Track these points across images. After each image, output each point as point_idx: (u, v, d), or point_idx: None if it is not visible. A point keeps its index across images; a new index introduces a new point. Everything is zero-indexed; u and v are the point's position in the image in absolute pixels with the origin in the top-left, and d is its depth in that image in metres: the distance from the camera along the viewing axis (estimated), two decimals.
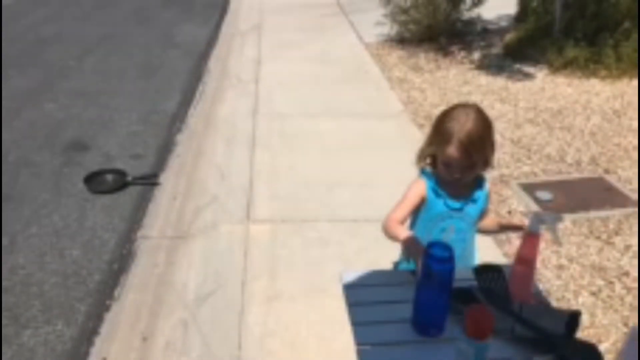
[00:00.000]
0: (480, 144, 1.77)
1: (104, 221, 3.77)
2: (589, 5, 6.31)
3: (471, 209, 1.91)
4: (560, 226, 3.52)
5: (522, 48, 6.70)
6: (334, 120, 5.10)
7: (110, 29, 8.51)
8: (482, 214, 1.97)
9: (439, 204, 1.88)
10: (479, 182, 1.93)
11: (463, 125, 1.75)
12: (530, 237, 1.59)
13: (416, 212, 1.94)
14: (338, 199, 3.81)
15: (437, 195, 1.88)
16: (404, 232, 1.79)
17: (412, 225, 1.98)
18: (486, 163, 1.85)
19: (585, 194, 3.82)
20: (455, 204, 1.89)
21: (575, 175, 4.15)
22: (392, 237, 1.81)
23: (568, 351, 1.36)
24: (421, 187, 1.90)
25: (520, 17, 7.34)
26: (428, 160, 1.93)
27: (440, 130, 1.81)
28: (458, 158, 1.75)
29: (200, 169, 4.38)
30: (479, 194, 1.91)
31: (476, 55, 6.97)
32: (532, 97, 5.57)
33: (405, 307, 1.48)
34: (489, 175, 2.08)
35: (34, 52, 7.33)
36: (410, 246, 1.70)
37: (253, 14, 9.21)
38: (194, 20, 9.02)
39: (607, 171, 4.15)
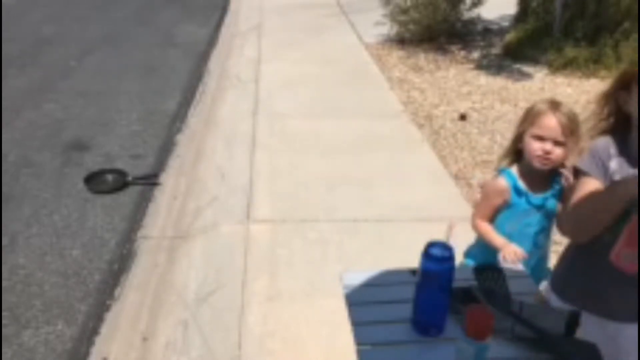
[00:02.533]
0: (571, 121, 1.90)
1: (104, 221, 3.77)
2: (589, 5, 6.31)
3: (551, 204, 1.99)
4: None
5: (522, 48, 6.70)
6: (334, 120, 5.10)
7: (111, 29, 8.51)
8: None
9: (522, 203, 1.99)
10: (557, 178, 2.00)
11: (558, 105, 1.92)
12: None
13: (499, 209, 2.05)
14: (338, 199, 3.81)
15: (519, 194, 1.99)
16: (498, 238, 2.01)
17: (496, 221, 2.07)
18: (572, 152, 1.94)
19: None
20: (537, 200, 1.98)
21: None
22: (485, 240, 2.04)
23: (568, 351, 1.36)
24: (503, 188, 2.01)
25: (520, 17, 7.33)
26: (508, 161, 2.04)
27: (533, 111, 1.96)
28: (555, 126, 1.88)
29: (200, 169, 4.38)
30: (558, 189, 1.99)
31: (476, 55, 6.97)
32: (532, 97, 5.56)
33: (405, 307, 1.48)
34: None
35: (34, 52, 7.33)
36: (507, 253, 1.92)
37: (253, 14, 9.21)
38: (194, 21, 9.02)
39: None
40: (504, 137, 4.67)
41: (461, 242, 2.17)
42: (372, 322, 1.50)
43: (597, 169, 1.59)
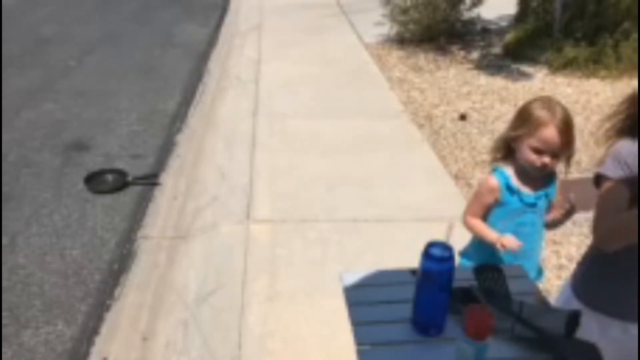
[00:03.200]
0: (571, 131, 1.88)
1: (104, 221, 3.77)
2: (588, 5, 6.31)
3: (543, 203, 2.00)
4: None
5: (521, 48, 6.70)
6: (334, 120, 5.10)
7: (111, 29, 8.51)
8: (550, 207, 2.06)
9: (514, 201, 1.98)
10: (551, 177, 2.01)
11: (556, 112, 1.86)
12: None
13: (490, 208, 2.04)
14: (338, 199, 3.81)
15: (512, 192, 1.97)
16: (491, 233, 1.99)
17: (488, 219, 2.06)
18: (568, 157, 1.95)
19: (585, 194, 3.81)
20: (530, 199, 1.98)
21: (575, 175, 4.14)
22: (478, 236, 2.03)
23: (568, 351, 1.36)
24: (494, 187, 1.99)
25: (520, 17, 7.33)
26: (501, 154, 2.02)
27: (531, 117, 1.90)
28: (556, 140, 1.84)
29: (200, 169, 4.38)
30: (552, 189, 2.01)
31: (476, 55, 6.97)
32: (532, 97, 5.57)
33: (405, 307, 1.48)
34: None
35: (34, 52, 7.33)
36: (504, 244, 1.91)
37: (253, 14, 9.21)
38: (194, 21, 9.02)
39: None
40: None
41: (461, 242, 2.18)
42: (372, 322, 1.50)
43: (625, 174, 1.57)
